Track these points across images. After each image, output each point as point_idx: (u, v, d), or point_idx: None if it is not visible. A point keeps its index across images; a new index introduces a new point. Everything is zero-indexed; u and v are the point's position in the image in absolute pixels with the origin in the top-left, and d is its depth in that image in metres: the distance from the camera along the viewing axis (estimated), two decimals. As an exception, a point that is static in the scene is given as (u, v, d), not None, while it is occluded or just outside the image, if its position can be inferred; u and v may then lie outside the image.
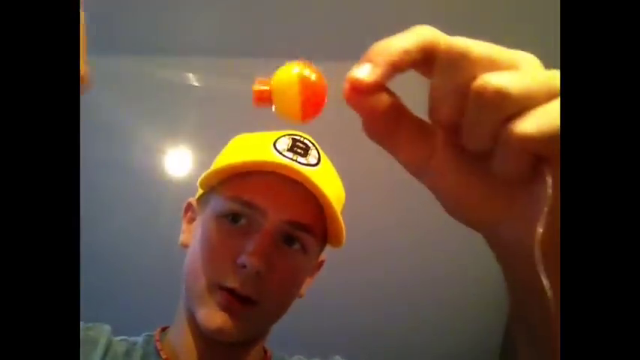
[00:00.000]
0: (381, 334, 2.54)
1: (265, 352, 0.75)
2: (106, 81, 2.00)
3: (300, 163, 0.66)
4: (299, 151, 0.67)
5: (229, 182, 0.67)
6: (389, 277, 2.44)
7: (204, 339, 0.67)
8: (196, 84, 2.03)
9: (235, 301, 0.63)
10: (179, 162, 2.18)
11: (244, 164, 0.65)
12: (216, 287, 0.64)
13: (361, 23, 1.84)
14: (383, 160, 2.28)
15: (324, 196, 0.64)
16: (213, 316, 0.62)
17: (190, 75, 2.02)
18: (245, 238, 0.64)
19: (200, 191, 0.72)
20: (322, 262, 0.76)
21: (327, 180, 0.68)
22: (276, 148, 0.66)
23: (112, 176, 2.14)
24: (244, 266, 0.63)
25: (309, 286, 0.75)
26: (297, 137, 0.69)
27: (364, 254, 2.39)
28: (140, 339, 0.72)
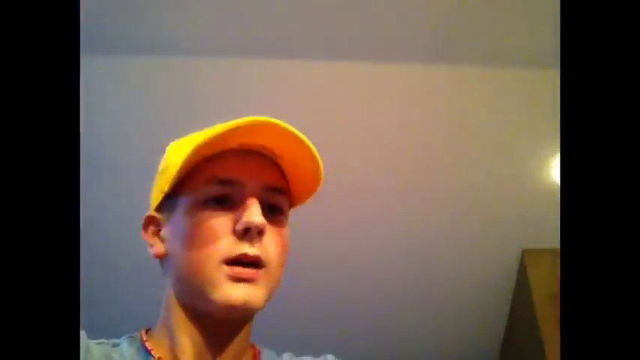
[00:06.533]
0: (381, 334, 2.54)
1: (254, 347, 0.75)
2: (106, 81, 2.00)
3: None
4: None
5: (195, 174, 0.69)
6: (389, 278, 2.44)
7: (207, 328, 0.68)
8: (196, 84, 2.03)
9: (247, 269, 0.65)
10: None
11: (219, 134, 0.65)
12: (222, 265, 0.65)
13: (361, 24, 1.84)
14: (385, 162, 2.27)
15: (295, 133, 0.66)
16: (233, 292, 0.64)
17: (190, 75, 2.02)
18: (235, 212, 0.67)
19: (156, 202, 0.74)
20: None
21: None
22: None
23: (112, 176, 2.14)
24: (247, 229, 0.65)
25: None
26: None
27: (365, 255, 2.39)
28: (122, 341, 0.71)
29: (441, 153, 2.17)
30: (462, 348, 2.64)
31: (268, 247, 0.67)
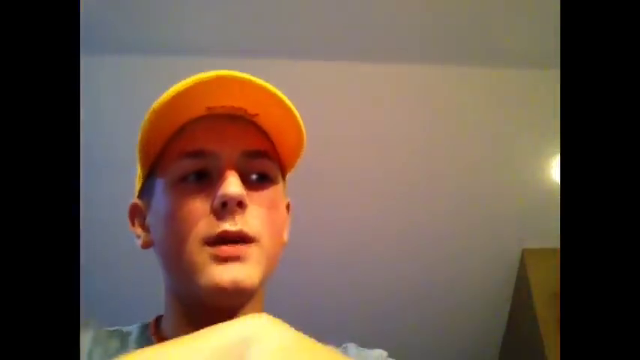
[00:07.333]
0: (381, 334, 2.54)
1: None
2: (106, 81, 2.00)
3: None
4: None
5: (167, 151, 0.62)
6: (389, 278, 2.44)
7: (205, 316, 0.56)
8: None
9: (232, 247, 0.57)
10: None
11: (175, 95, 0.58)
12: (204, 246, 0.58)
13: (361, 24, 1.84)
14: (386, 162, 2.26)
15: (263, 85, 0.58)
16: (220, 274, 0.56)
17: (190, 75, 2.01)
18: (213, 187, 0.59)
19: (137, 189, 0.67)
20: (289, 203, 0.71)
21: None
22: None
23: (112, 176, 2.14)
24: (224, 204, 0.57)
25: (288, 230, 0.69)
26: None
27: (365, 255, 2.39)
28: (133, 329, 0.66)
29: (441, 153, 2.17)
30: (462, 347, 2.64)
31: (254, 219, 0.59)
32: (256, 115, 0.62)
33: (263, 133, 0.64)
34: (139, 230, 0.67)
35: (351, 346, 0.71)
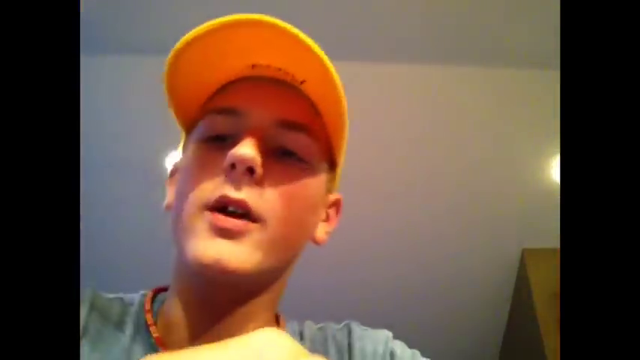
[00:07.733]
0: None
1: (277, 317, 0.61)
2: (106, 81, 2.00)
3: None
4: None
5: (205, 108, 0.56)
6: (389, 277, 2.45)
7: (200, 297, 0.53)
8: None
9: (230, 218, 0.49)
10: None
11: (205, 31, 0.51)
12: (204, 211, 0.50)
13: (361, 24, 1.84)
14: (386, 162, 2.27)
15: (321, 53, 0.49)
16: (207, 247, 0.49)
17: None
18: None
19: (182, 143, 0.62)
20: (338, 200, 0.63)
21: None
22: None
23: (113, 176, 2.14)
24: (233, 165, 0.50)
25: (329, 230, 0.62)
26: None
27: (366, 255, 2.39)
28: (135, 301, 0.58)
29: (441, 153, 2.17)
30: (462, 347, 2.64)
31: (265, 196, 0.51)
32: (304, 82, 0.54)
33: (310, 106, 0.55)
34: (170, 190, 0.60)
35: (355, 324, 0.65)
